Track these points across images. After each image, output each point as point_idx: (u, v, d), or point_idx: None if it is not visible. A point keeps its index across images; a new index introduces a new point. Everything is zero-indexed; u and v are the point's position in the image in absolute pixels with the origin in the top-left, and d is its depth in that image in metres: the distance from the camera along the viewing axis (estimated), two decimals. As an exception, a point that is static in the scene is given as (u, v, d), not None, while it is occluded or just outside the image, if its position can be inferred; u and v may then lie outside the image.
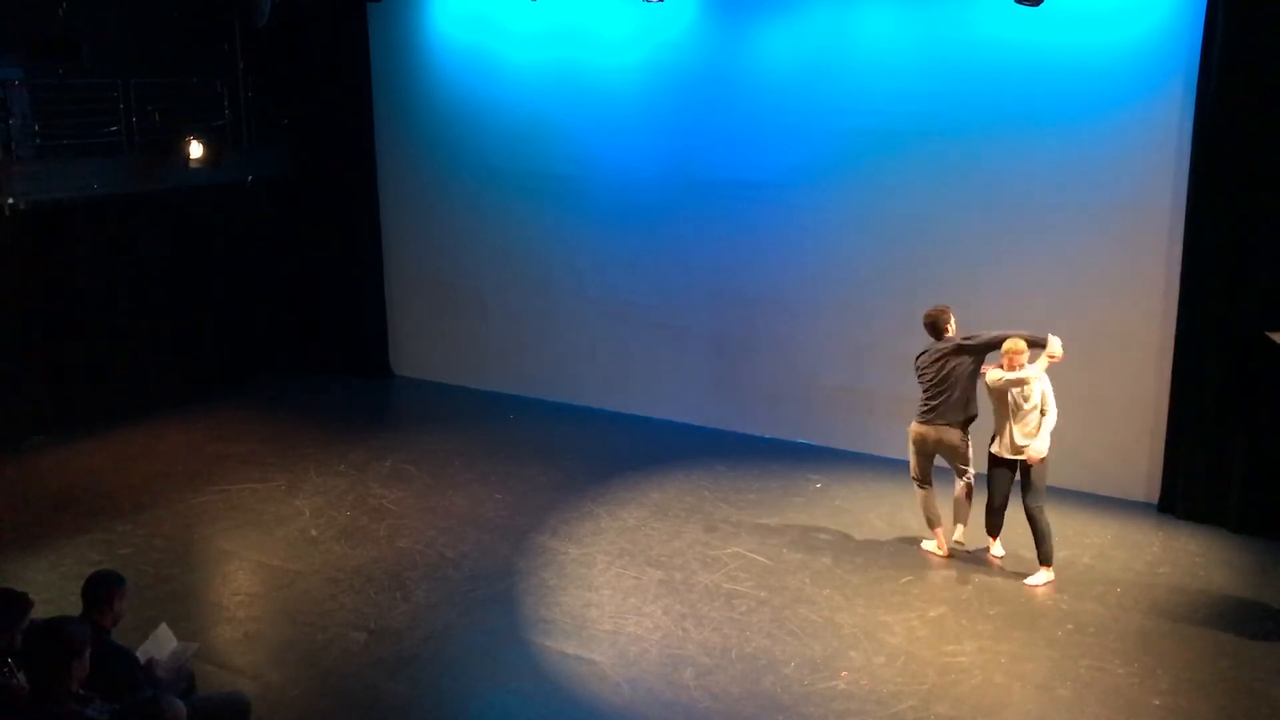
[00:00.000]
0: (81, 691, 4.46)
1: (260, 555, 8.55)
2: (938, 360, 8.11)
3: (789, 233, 10.72)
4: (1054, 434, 7.84)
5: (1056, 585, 7.92)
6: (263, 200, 13.10)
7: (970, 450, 8.20)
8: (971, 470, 8.24)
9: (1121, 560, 8.35)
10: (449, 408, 12.33)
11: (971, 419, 8.20)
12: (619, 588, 7.97)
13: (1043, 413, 7.77)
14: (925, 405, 8.19)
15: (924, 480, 8.35)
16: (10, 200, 10.45)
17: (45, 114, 10.94)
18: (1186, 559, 8.43)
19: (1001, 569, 8.19)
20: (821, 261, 10.61)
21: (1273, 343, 8.07)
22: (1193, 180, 8.73)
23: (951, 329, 8.20)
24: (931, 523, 8.41)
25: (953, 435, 8.14)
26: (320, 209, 13.19)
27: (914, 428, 8.28)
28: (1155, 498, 9.36)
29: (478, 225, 12.51)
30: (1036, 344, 7.76)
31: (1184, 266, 8.89)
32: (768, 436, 11.10)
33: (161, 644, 5.70)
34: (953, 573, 8.16)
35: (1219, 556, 8.46)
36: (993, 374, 7.84)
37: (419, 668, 6.91)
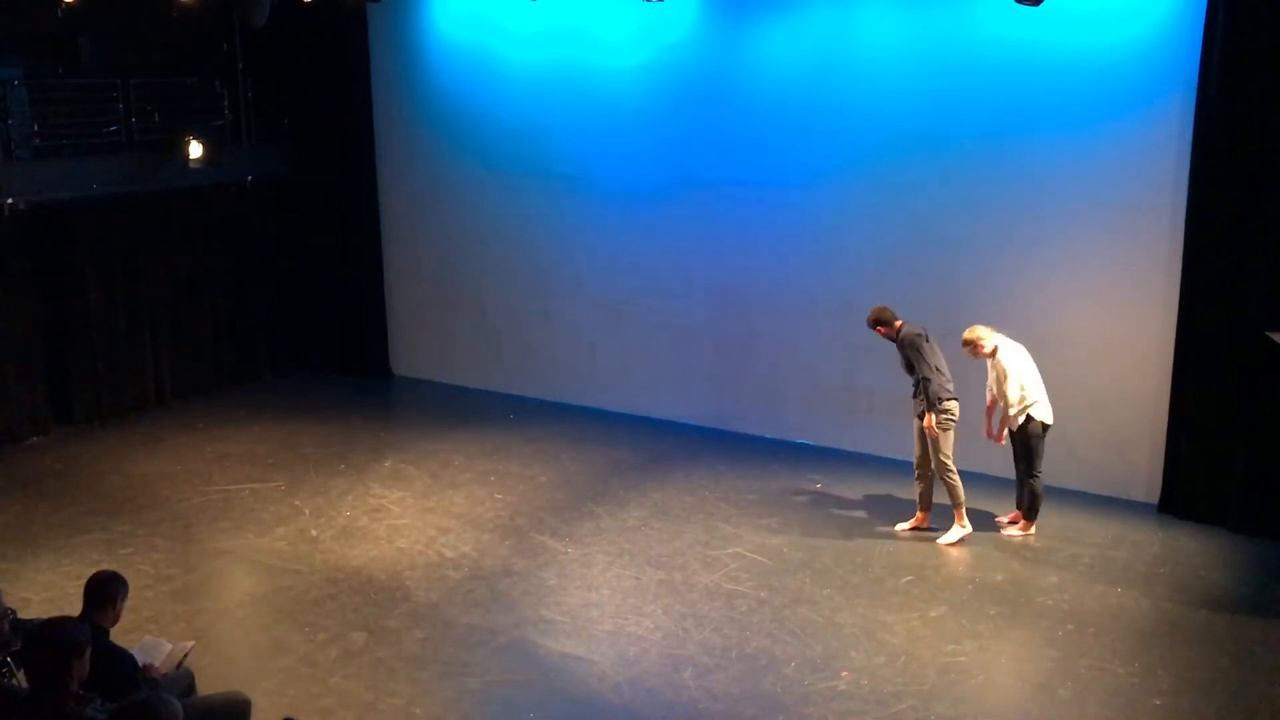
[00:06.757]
0: (81, 691, 4.45)
1: (260, 555, 8.54)
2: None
3: (789, 233, 10.72)
4: (1054, 431, 8.51)
5: (1058, 585, 7.93)
6: (263, 200, 13.10)
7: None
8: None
9: (1122, 560, 8.35)
10: (449, 408, 12.32)
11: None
12: (619, 588, 7.97)
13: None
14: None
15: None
16: (10, 200, 10.46)
17: (45, 114, 10.94)
18: (1186, 559, 8.43)
19: (1004, 567, 8.20)
20: (821, 261, 10.60)
21: (1273, 343, 8.08)
22: (1193, 180, 8.72)
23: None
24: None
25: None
26: (320, 209, 13.19)
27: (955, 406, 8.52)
28: (1155, 498, 9.35)
29: (478, 225, 12.50)
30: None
31: (1184, 266, 8.88)
32: (768, 436, 11.09)
33: (149, 654, 5.68)
34: (953, 573, 8.16)
35: (1219, 556, 8.46)
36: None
37: (419, 667, 6.91)
